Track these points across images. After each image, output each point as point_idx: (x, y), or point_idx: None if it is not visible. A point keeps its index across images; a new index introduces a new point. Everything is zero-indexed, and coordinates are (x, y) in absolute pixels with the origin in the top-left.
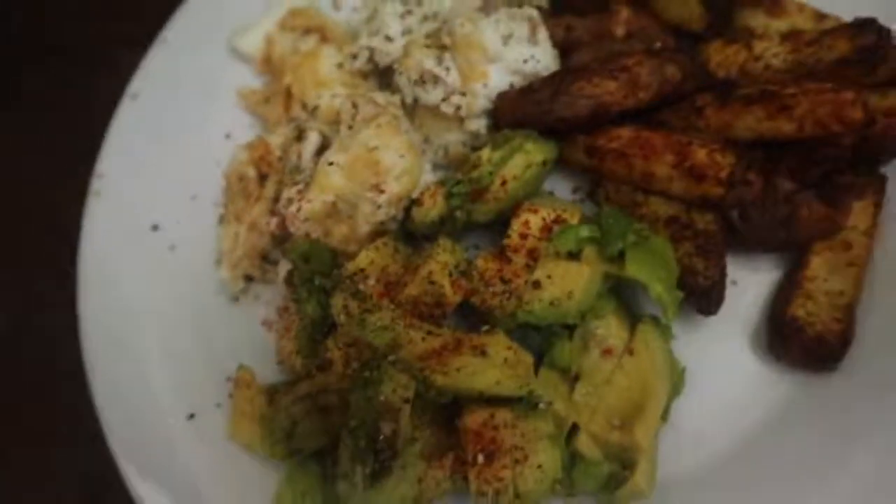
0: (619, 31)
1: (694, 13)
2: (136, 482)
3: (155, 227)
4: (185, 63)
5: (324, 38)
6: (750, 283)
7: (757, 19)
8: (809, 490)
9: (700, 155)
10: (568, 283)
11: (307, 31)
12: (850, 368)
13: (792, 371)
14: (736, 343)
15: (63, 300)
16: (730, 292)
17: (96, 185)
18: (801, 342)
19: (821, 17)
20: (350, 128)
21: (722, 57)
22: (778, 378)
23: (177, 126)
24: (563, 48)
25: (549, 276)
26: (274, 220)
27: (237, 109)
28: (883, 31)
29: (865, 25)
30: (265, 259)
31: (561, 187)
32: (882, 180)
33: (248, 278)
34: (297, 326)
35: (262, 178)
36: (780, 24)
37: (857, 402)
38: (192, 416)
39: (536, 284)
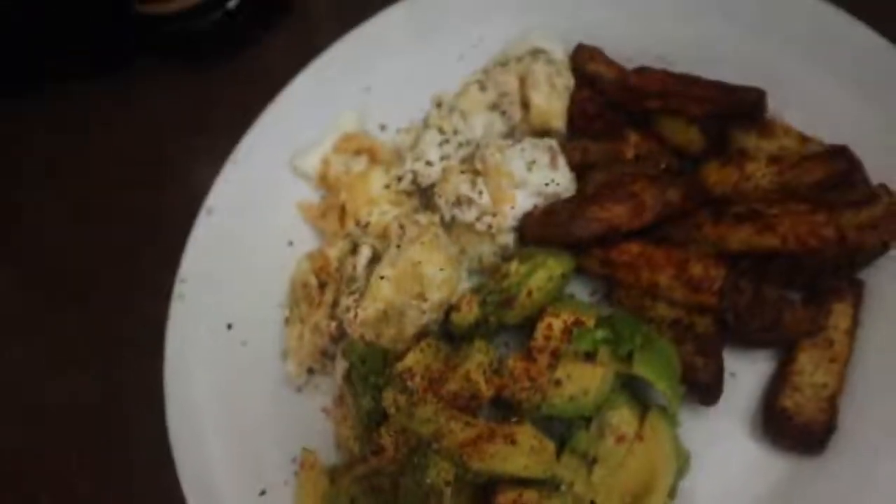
0: (629, 153)
1: (694, 138)
2: None
3: (229, 326)
4: (253, 180)
5: (373, 159)
6: (747, 375)
7: (749, 141)
8: None
9: (697, 269)
10: (584, 382)
11: (358, 153)
12: (836, 452)
13: (785, 454)
14: (736, 429)
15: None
16: (729, 384)
17: (179, 288)
18: (791, 430)
19: (804, 139)
20: (398, 246)
21: (718, 177)
22: (774, 460)
23: (246, 236)
24: (580, 168)
25: (568, 376)
26: (333, 324)
27: (298, 220)
28: (852, 159)
29: (838, 153)
30: (324, 355)
31: (580, 289)
32: (860, 285)
33: (310, 371)
34: (354, 416)
35: (322, 285)
36: (769, 146)
37: (845, 481)
38: (263, 492)
39: (558, 383)
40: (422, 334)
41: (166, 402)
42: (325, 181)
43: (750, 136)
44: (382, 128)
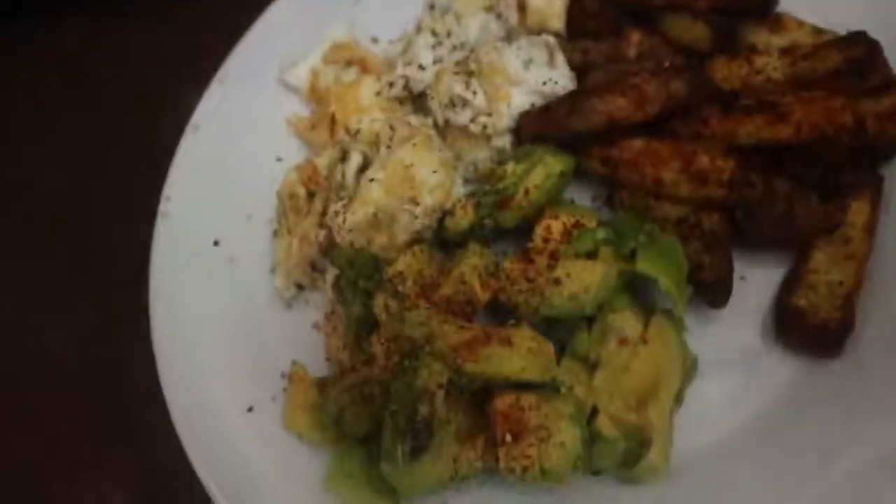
0: (631, 52)
1: (701, 34)
2: (203, 470)
3: (216, 243)
4: (240, 96)
5: (364, 69)
6: (758, 278)
7: (760, 36)
8: (813, 467)
9: (704, 160)
10: (585, 278)
11: (349, 63)
12: (852, 354)
13: (797, 357)
14: (746, 333)
15: (134, 313)
16: (739, 286)
17: (164, 206)
18: (805, 329)
19: (818, 31)
20: (388, 147)
21: (726, 72)
22: (784, 364)
23: (233, 153)
24: (580, 70)
25: (567, 274)
26: (322, 232)
27: (287, 135)
28: (871, 43)
29: (855, 38)
30: (314, 268)
31: (581, 195)
32: (879, 179)
33: (300, 286)
34: (343, 325)
35: (311, 195)
36: (781, 40)
37: (858, 386)
38: (251, 408)
39: (556, 281)
40: (414, 242)
41: (151, 321)
42: (314, 93)
43: (760, 31)
44: (374, 40)
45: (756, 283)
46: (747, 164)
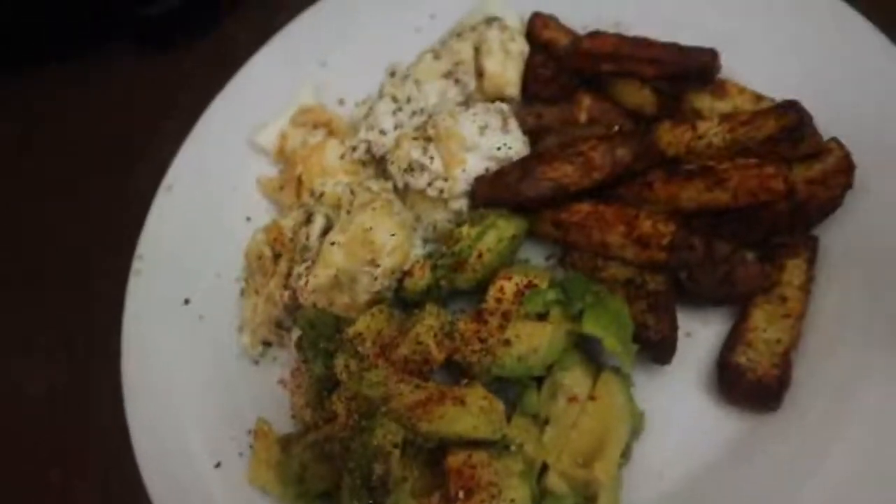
0: (582, 117)
1: (647, 100)
2: None
3: (186, 301)
4: (212, 157)
5: (330, 132)
6: (703, 334)
7: (703, 102)
8: None
9: (646, 225)
10: (534, 340)
11: (315, 126)
12: (791, 408)
13: (739, 412)
14: (691, 388)
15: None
16: (684, 343)
17: (137, 265)
18: (744, 386)
19: (758, 98)
20: (349, 212)
21: (671, 137)
22: (728, 419)
23: (204, 212)
24: (534, 133)
25: (517, 335)
26: (286, 293)
27: (256, 196)
28: (803, 113)
29: (787, 108)
30: (280, 326)
31: (536, 254)
32: (814, 241)
33: (266, 343)
34: (306, 383)
35: (277, 256)
36: (723, 106)
37: (799, 438)
38: (218, 464)
39: (507, 342)
40: (375, 302)
41: (122, 376)
42: (282, 155)
43: (703, 96)
44: (341, 102)
45: (701, 338)
46: (689, 226)
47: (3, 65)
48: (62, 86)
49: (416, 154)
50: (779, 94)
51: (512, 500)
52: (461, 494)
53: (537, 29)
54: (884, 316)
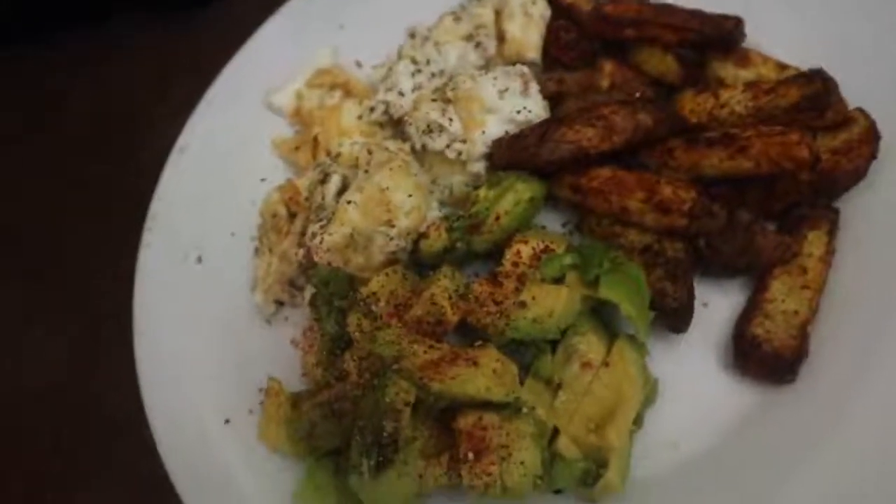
0: (604, 83)
1: (670, 67)
2: (180, 481)
3: (199, 260)
4: (227, 118)
5: (347, 94)
6: (720, 305)
7: (726, 70)
8: (770, 491)
9: (666, 191)
10: (549, 303)
11: (332, 88)
12: (806, 381)
13: (754, 384)
14: (706, 358)
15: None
16: (701, 313)
17: (150, 223)
18: (760, 357)
19: (782, 67)
20: (366, 171)
21: (693, 105)
22: (742, 390)
23: (219, 172)
24: (555, 99)
25: (533, 298)
26: (301, 251)
27: (272, 156)
28: (828, 81)
29: (812, 76)
30: (293, 285)
31: (552, 221)
32: (836, 213)
33: (279, 303)
34: (319, 342)
35: (292, 215)
36: (747, 74)
37: (812, 412)
38: (227, 420)
39: (522, 304)
40: (390, 263)
41: (134, 333)
42: (298, 116)
43: (727, 65)
44: (358, 65)
45: (718, 309)
46: (710, 195)
47: (11, 40)
48: (69, 61)
49: (435, 115)
50: (804, 62)
51: (522, 463)
52: (471, 455)
53: None
54: None
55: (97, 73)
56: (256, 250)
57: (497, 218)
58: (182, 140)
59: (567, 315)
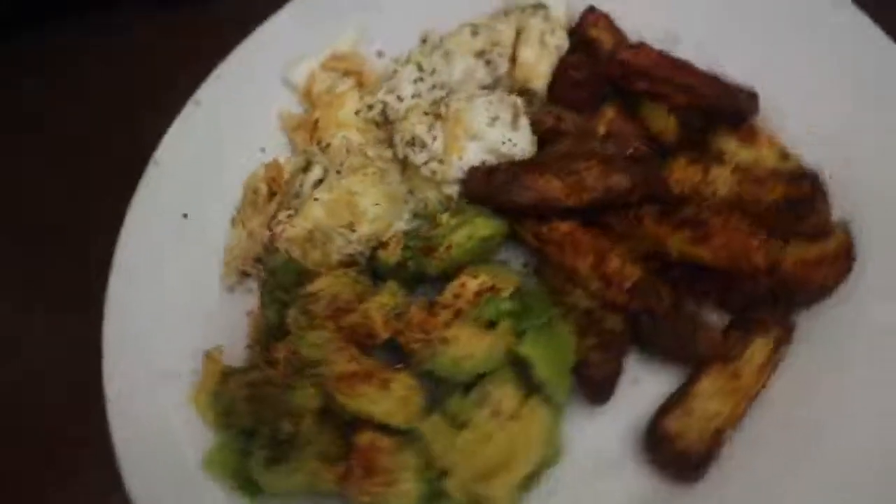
0: (601, 129)
1: (670, 126)
2: (117, 427)
3: (185, 216)
4: (242, 83)
5: (359, 83)
6: (651, 385)
7: (729, 144)
8: None
9: (614, 263)
10: (471, 346)
11: (346, 74)
12: (714, 483)
13: (661, 476)
14: (622, 435)
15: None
16: (628, 389)
17: (150, 170)
18: (667, 452)
19: (785, 155)
20: (338, 172)
21: (682, 174)
22: (649, 477)
23: (225, 132)
24: (549, 134)
25: (457, 337)
26: (267, 234)
27: (276, 130)
28: (817, 186)
29: (803, 177)
30: (259, 262)
31: (516, 256)
32: (790, 325)
33: (245, 273)
34: (260, 325)
35: (272, 194)
36: (747, 154)
37: None
38: (179, 375)
39: (444, 341)
40: (347, 264)
41: (111, 271)
42: (308, 96)
43: (731, 138)
44: (380, 55)
45: (647, 388)
46: (665, 274)
47: (25, 20)
48: (85, 38)
49: (420, 130)
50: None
51: (404, 493)
52: (360, 472)
53: (586, 24)
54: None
55: (114, 47)
56: (232, 220)
57: (448, 248)
58: (198, 94)
59: (485, 362)
